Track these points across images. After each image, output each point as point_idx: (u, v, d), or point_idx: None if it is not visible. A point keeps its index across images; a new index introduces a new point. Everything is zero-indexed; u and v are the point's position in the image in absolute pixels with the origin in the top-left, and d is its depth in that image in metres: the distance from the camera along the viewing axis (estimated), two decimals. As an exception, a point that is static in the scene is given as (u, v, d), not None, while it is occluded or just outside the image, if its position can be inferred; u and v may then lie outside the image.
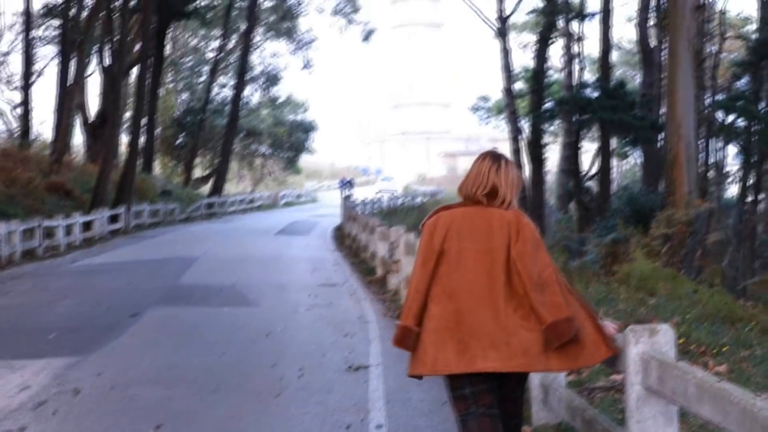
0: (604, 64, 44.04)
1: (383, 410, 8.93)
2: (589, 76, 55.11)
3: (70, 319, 14.89)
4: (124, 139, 53.46)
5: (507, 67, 49.13)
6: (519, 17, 61.96)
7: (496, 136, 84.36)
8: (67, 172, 41.75)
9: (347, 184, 78.96)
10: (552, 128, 57.67)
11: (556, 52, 59.02)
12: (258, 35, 72.67)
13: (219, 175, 62.83)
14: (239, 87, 62.47)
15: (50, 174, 39.23)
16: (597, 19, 45.15)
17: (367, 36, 72.36)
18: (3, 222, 26.17)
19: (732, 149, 51.46)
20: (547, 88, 52.26)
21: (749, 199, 45.53)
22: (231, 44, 72.45)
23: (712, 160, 47.46)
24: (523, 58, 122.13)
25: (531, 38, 61.23)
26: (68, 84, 43.68)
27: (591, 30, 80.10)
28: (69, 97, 43.14)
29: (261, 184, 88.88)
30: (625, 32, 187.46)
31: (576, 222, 44.76)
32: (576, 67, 48.49)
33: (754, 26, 55.67)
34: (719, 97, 48.13)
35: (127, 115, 56.48)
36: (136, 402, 9.31)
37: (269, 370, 10.82)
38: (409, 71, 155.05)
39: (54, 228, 29.73)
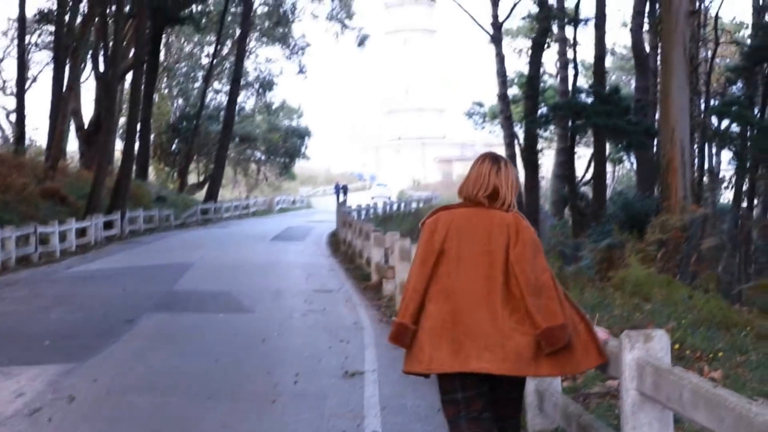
0: (598, 69, 44.06)
1: (379, 416, 8.93)
2: (584, 82, 55.34)
3: (65, 325, 14.89)
4: (119, 145, 53.47)
5: (501, 73, 49.19)
6: (513, 23, 62.09)
7: (491, 141, 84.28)
8: (62, 178, 41.68)
9: (342, 189, 78.98)
10: (546, 134, 57.75)
11: (550, 57, 59.25)
12: (252, 41, 72.82)
13: (214, 181, 62.76)
14: (234, 93, 62.45)
15: (45, 180, 39.17)
16: (591, 24, 45.15)
17: (362, 41, 72.48)
18: (-2, 228, 26.18)
19: (726, 154, 51.62)
20: (542, 93, 52.44)
21: (744, 204, 45.61)
22: (225, 50, 72.56)
23: (706, 165, 47.58)
24: (518, 64, 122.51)
25: (525, 44, 61.35)
26: (63, 90, 43.65)
27: (585, 36, 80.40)
28: (63, 103, 43.11)
29: (256, 189, 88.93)
30: (619, 38, 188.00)
31: (571, 227, 44.76)
32: (570, 73, 48.47)
33: (747, 32, 55.89)
34: (713, 102, 48.26)
35: (122, 121, 56.54)
36: (132, 408, 9.31)
37: (265, 376, 10.82)
38: (403, 77, 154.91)
39: (49, 234, 29.68)
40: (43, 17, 51.18)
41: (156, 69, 58.58)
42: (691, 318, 14.19)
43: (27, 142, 49.38)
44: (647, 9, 44.15)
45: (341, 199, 74.83)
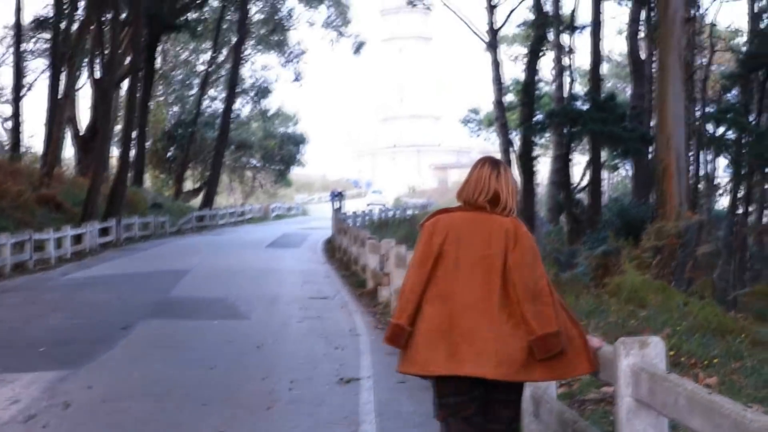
0: (594, 76, 44.12)
1: (374, 423, 8.93)
2: (580, 89, 55.25)
3: (61, 332, 14.86)
4: (115, 151, 53.40)
5: (498, 80, 49.20)
6: (509, 29, 62.02)
7: (487, 148, 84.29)
8: (58, 185, 41.64)
9: (338, 196, 78.94)
10: (542, 141, 57.79)
11: (546, 64, 59.18)
12: (248, 48, 72.73)
13: (210, 188, 62.75)
14: (230, 100, 62.45)
15: (41, 187, 39.14)
16: (587, 31, 45.24)
17: (358, 48, 72.50)
18: (-7, 235, 26.15)
19: (722, 161, 51.67)
20: (538, 100, 52.42)
21: (739, 211, 45.64)
22: (221, 57, 72.51)
23: (702, 172, 47.62)
24: (514, 70, 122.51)
25: (522, 50, 61.33)
26: (59, 97, 43.61)
27: (581, 42, 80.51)
28: (59, 110, 43.07)
29: (252, 196, 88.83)
30: (615, 45, 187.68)
31: (566, 234, 44.80)
32: (566, 80, 48.57)
33: (743, 39, 55.93)
34: (709, 109, 48.29)
35: (118, 127, 56.42)
36: (127, 415, 9.30)
37: (260, 382, 10.81)
38: (399, 84, 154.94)
39: (44, 241, 29.65)
40: (40, 24, 51.20)
41: (152, 76, 58.62)
42: (686, 324, 14.19)
43: (23, 149, 49.41)
44: (643, 16, 44.22)
45: (337, 206, 74.76)
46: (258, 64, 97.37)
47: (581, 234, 39.36)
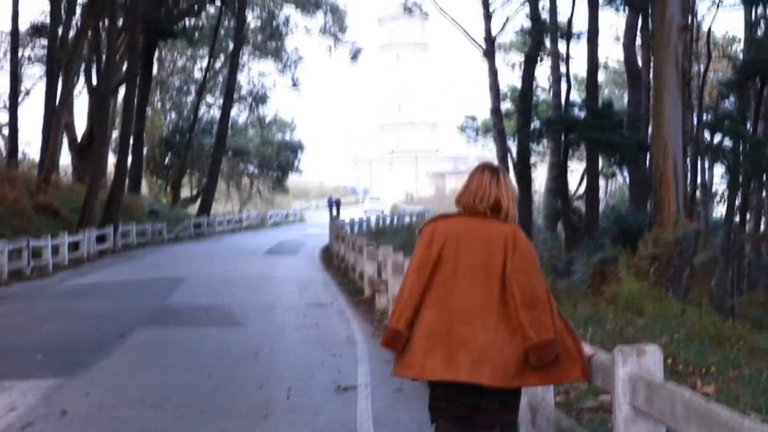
0: (591, 83, 44.11)
1: (371, 431, 8.92)
2: (577, 96, 55.32)
3: (58, 339, 14.85)
4: (112, 158, 53.39)
5: (495, 87, 49.25)
6: (506, 37, 62.20)
7: (484, 155, 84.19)
8: (55, 192, 41.64)
9: (335, 203, 78.97)
10: (539, 148, 57.83)
11: (543, 71, 59.24)
12: (245, 55, 72.85)
13: (207, 195, 62.66)
14: (227, 106, 62.41)
15: (38, 194, 39.14)
16: (584, 39, 45.23)
17: (355, 55, 72.57)
18: (-10, 242, 26.15)
19: (719, 169, 51.69)
20: (535, 107, 52.44)
21: (736, 218, 45.65)
22: (218, 64, 72.63)
23: (699, 179, 47.66)
24: (511, 78, 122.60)
25: (519, 58, 61.45)
26: (56, 103, 43.59)
27: (578, 50, 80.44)
28: (56, 117, 43.08)
29: (249, 203, 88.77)
30: (612, 52, 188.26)
31: (563, 241, 44.82)
32: (563, 87, 48.55)
33: (740, 46, 55.99)
34: (706, 116, 48.33)
35: (115, 134, 56.46)
36: (124, 423, 9.28)
37: (257, 390, 10.79)
38: (396, 91, 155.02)
39: (41, 248, 29.63)
40: (36, 31, 51.28)
41: (149, 82, 58.56)
42: (683, 332, 14.19)
43: (20, 155, 49.34)
44: (640, 23, 44.27)
45: (334, 213, 74.83)
46: (255, 71, 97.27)
47: (578, 241, 39.37)
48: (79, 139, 50.64)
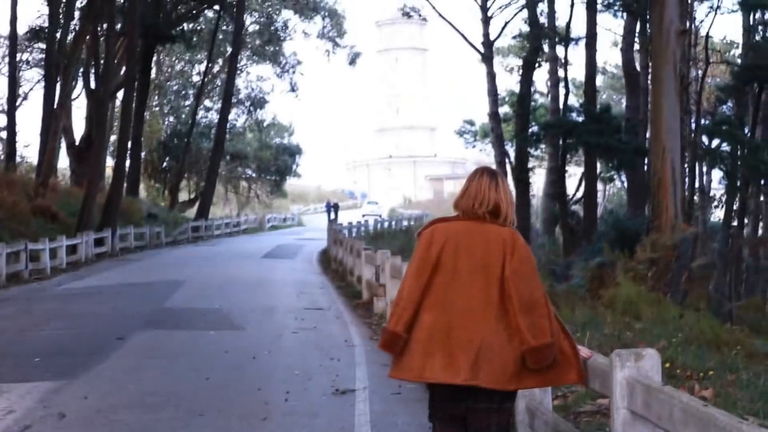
0: (589, 88, 44.09)
1: (370, 434, 8.94)
2: (575, 100, 55.34)
3: (56, 342, 14.84)
4: (110, 162, 53.40)
5: (493, 92, 49.24)
6: (504, 41, 62.11)
7: (482, 159, 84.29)
8: (53, 196, 41.61)
9: (333, 207, 78.99)
10: (538, 152, 57.81)
11: (541, 76, 59.20)
12: (243, 59, 72.76)
13: (205, 199, 62.59)
14: (225, 110, 62.34)
15: (36, 197, 39.12)
16: (582, 44, 45.21)
17: (353, 60, 72.56)
18: (-12, 245, 26.13)
19: (717, 174, 51.67)
20: (533, 112, 52.47)
21: (734, 223, 45.63)
22: (216, 68, 72.59)
23: (697, 184, 47.62)
24: (509, 82, 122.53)
25: (517, 62, 61.40)
26: (54, 107, 43.56)
27: (576, 55, 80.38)
28: (54, 120, 43.05)
29: (247, 207, 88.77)
30: (610, 57, 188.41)
31: (562, 246, 44.80)
32: (561, 92, 48.49)
33: (738, 51, 56.01)
34: (704, 121, 48.32)
35: (113, 138, 56.46)
36: (122, 426, 9.29)
37: (255, 393, 10.79)
38: (395, 95, 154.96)
39: (39, 251, 29.61)
40: (35, 35, 51.23)
41: (147, 86, 58.54)
42: (681, 337, 14.20)
43: (18, 159, 49.32)
44: (638, 28, 44.29)
45: (332, 216, 74.84)
46: (253, 75, 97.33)
47: (576, 246, 39.37)
48: (77, 143, 50.64)
